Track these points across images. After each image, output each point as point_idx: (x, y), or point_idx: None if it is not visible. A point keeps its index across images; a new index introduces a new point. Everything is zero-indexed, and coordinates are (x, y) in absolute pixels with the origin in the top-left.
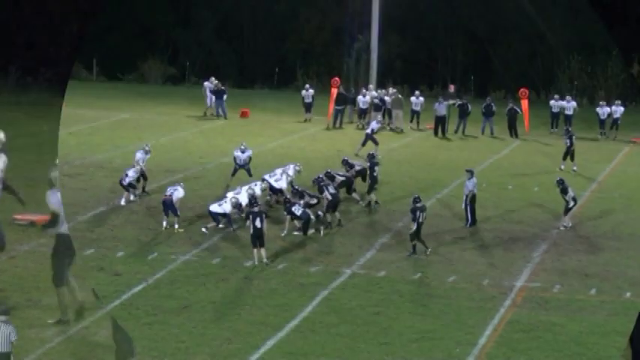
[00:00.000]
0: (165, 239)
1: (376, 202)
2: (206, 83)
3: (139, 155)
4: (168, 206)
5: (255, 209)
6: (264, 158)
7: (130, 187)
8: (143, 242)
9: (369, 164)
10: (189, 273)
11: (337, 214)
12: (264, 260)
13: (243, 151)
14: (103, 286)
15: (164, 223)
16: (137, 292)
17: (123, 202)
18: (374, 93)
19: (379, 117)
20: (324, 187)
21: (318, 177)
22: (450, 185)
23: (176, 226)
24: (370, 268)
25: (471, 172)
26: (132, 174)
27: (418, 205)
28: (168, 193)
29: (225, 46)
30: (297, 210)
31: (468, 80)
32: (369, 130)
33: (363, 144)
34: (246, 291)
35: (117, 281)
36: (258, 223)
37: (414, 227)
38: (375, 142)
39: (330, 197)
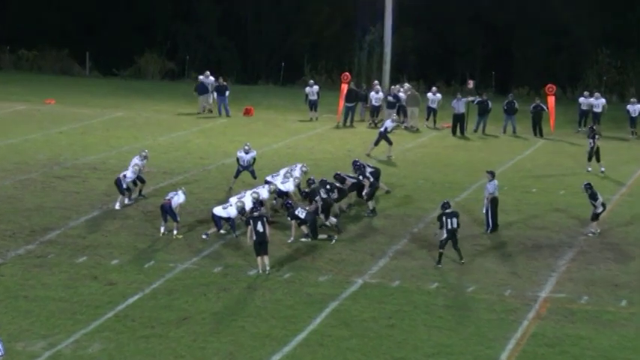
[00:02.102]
0: (163, 246)
1: (373, 210)
2: (201, 78)
3: (136, 161)
4: (167, 211)
5: (256, 213)
6: (269, 159)
7: (127, 190)
8: (139, 249)
9: (370, 171)
10: (189, 282)
11: (333, 219)
12: (267, 269)
13: (247, 152)
14: (96, 296)
15: (162, 229)
16: (133, 303)
17: (117, 206)
18: (380, 89)
19: (394, 115)
20: (316, 192)
21: (310, 179)
22: (469, 188)
23: (175, 232)
24: (383, 278)
25: (491, 174)
26: (130, 174)
27: (447, 211)
28: (168, 198)
29: (228, 39)
30: (301, 213)
31: (488, 75)
32: (382, 129)
33: (376, 143)
34: (250, 302)
35: (111, 291)
36: (260, 228)
37: (444, 235)
38: (389, 142)
39: (320, 202)
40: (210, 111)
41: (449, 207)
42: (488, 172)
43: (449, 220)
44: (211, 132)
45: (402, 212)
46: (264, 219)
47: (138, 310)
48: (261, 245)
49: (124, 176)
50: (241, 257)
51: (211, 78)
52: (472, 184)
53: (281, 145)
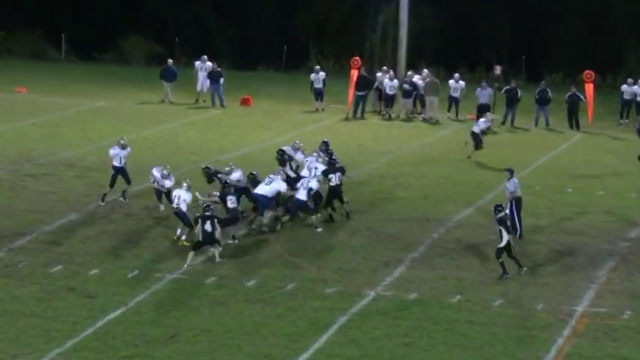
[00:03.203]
0: (148, 254)
1: (317, 227)
2: (197, 63)
3: (113, 152)
4: (181, 217)
5: (208, 213)
6: (269, 156)
7: (167, 194)
8: (122, 257)
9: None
10: (178, 295)
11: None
12: (218, 259)
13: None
14: (73, 310)
15: (183, 237)
16: (114, 318)
17: (162, 208)
18: (393, 76)
19: (489, 114)
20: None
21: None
22: (496, 188)
23: (183, 237)
24: (398, 290)
25: (510, 172)
26: (156, 174)
27: (501, 214)
28: (176, 204)
29: (223, 20)
30: (230, 201)
31: (517, 61)
32: (476, 129)
33: (477, 147)
34: (248, 317)
35: (90, 305)
36: (208, 228)
37: (504, 242)
38: (477, 145)
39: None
40: (205, 101)
41: (503, 209)
42: (506, 169)
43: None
44: (204, 124)
45: (420, 215)
46: (215, 220)
47: (120, 327)
48: (207, 245)
49: (158, 182)
50: (238, 266)
51: (208, 63)
52: (499, 183)
53: (283, 139)
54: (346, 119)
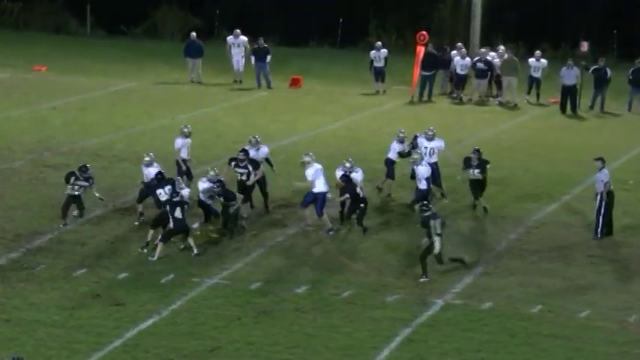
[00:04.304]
0: (184, 255)
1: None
2: (229, 38)
3: (181, 142)
4: (207, 208)
5: (176, 198)
6: (323, 144)
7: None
8: (154, 259)
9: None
10: (218, 302)
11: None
12: (195, 251)
13: (256, 148)
14: (98, 320)
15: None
16: (146, 329)
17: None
18: (464, 59)
19: None
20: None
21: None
22: (583, 182)
23: (195, 226)
24: (470, 298)
25: (601, 161)
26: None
27: (427, 214)
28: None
29: None
30: (162, 195)
31: (608, 36)
32: None
33: None
34: (297, 328)
35: (118, 313)
36: (179, 214)
37: (437, 248)
38: None
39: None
40: (240, 81)
41: (429, 209)
42: (597, 159)
43: (436, 224)
44: (247, 108)
45: (496, 213)
46: (185, 206)
47: (152, 339)
48: (179, 234)
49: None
50: (286, 270)
51: (242, 37)
52: (587, 176)
53: (338, 126)
54: (411, 102)
